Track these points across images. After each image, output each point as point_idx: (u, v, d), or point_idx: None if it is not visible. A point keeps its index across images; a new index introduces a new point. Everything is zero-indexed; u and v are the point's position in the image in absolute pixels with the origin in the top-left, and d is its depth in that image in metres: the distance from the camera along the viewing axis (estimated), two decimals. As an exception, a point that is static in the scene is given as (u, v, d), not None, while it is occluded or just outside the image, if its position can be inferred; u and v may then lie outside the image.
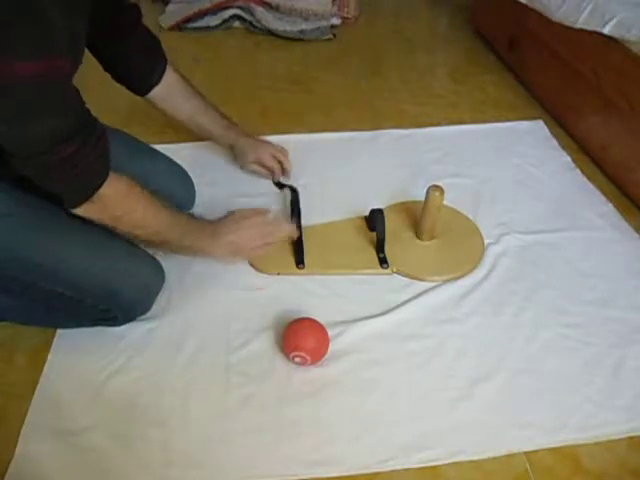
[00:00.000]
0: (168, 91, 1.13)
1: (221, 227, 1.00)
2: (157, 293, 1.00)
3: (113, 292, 0.92)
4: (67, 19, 0.72)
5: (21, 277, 0.89)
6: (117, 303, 0.94)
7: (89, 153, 0.78)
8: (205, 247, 0.99)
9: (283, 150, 1.31)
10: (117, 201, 0.85)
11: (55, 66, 0.72)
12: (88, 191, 0.81)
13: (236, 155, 1.31)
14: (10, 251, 0.87)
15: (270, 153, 1.28)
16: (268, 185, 1.32)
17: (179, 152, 1.29)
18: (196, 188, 1.23)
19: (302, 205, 1.24)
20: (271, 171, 1.30)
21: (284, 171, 1.31)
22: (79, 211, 0.83)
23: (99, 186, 0.81)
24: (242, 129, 1.27)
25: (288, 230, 1.09)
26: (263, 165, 1.29)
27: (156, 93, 1.12)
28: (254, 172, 1.31)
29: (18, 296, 0.95)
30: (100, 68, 1.06)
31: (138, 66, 1.08)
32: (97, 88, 1.10)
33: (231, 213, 1.03)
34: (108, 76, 1.08)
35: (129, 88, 1.11)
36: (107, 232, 0.92)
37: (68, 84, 0.77)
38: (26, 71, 0.69)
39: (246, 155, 1.28)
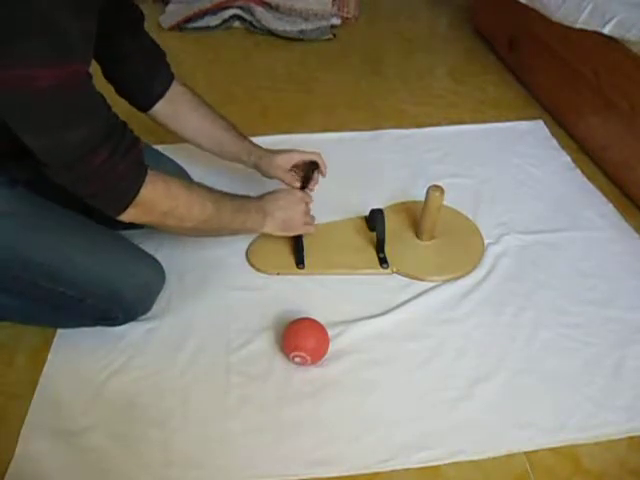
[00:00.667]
0: (173, 104, 1.07)
1: (270, 205, 1.02)
2: (158, 293, 1.00)
3: (114, 292, 0.92)
4: (77, 20, 0.70)
5: (22, 276, 0.89)
6: (118, 303, 0.94)
7: (120, 161, 0.77)
8: (256, 227, 1.02)
9: (309, 151, 1.14)
10: (158, 202, 0.84)
11: (72, 72, 0.71)
12: (126, 199, 0.80)
13: (258, 164, 1.13)
14: (11, 250, 0.87)
15: (300, 153, 1.13)
16: (269, 185, 1.32)
17: (179, 152, 1.28)
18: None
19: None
20: (305, 178, 1.15)
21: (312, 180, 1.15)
22: (124, 217, 0.82)
23: (136, 193, 0.80)
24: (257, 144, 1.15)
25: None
26: (296, 170, 1.15)
27: (160, 107, 1.06)
28: (281, 179, 1.14)
29: (18, 295, 0.95)
30: (99, 68, 1.06)
31: (138, 74, 1.03)
32: (99, 88, 1.09)
33: (273, 192, 1.05)
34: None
35: (131, 102, 1.06)
36: (108, 232, 0.93)
37: (89, 89, 0.75)
38: (47, 80, 0.68)
39: (273, 160, 1.11)
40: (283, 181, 1.13)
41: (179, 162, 1.20)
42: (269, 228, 1.04)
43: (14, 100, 0.70)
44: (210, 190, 0.93)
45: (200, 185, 0.93)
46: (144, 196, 0.81)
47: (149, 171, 0.82)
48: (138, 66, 1.03)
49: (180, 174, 1.18)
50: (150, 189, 0.81)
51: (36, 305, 0.97)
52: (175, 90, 1.07)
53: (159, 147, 1.20)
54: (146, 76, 1.04)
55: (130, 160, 0.79)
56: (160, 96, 1.06)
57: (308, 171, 1.14)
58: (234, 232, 1.02)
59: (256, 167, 1.14)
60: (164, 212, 0.85)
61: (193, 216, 0.88)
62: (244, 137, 1.14)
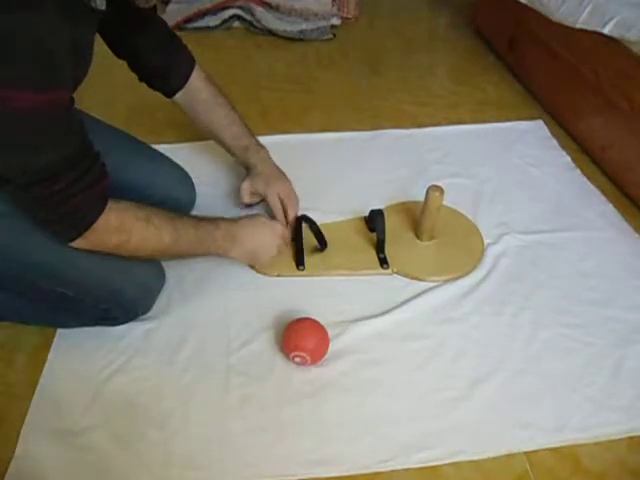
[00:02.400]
0: (190, 98, 1.10)
1: (243, 232, 1.00)
2: (158, 293, 1.01)
3: (114, 292, 0.92)
4: (71, 37, 0.70)
5: (22, 277, 0.89)
6: (118, 303, 0.94)
7: (79, 192, 0.76)
8: (223, 252, 1.00)
9: (293, 196, 1.17)
10: (109, 236, 0.83)
11: (54, 99, 0.71)
12: (76, 230, 0.80)
13: (247, 175, 1.17)
14: (10, 250, 0.87)
15: (278, 193, 1.14)
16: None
17: (179, 152, 1.29)
18: (196, 188, 1.23)
19: (302, 206, 1.24)
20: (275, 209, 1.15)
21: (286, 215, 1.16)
22: (75, 245, 0.82)
23: (87, 226, 0.80)
24: (263, 153, 1.16)
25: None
26: (264, 200, 1.16)
27: (179, 98, 1.10)
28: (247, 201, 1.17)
29: (18, 296, 0.95)
30: (102, 67, 1.05)
31: (155, 67, 1.05)
32: (99, 88, 1.10)
33: (252, 218, 1.04)
34: (108, 76, 1.08)
35: (154, 88, 1.09)
36: None
37: (66, 116, 0.75)
38: (25, 102, 0.67)
39: (256, 183, 1.15)
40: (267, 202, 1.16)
41: (179, 162, 1.20)
42: (235, 255, 1.01)
43: None
44: (172, 220, 0.90)
45: (163, 215, 0.89)
46: (95, 230, 0.80)
47: (107, 205, 0.81)
48: (152, 61, 1.04)
49: (175, 173, 1.17)
50: (102, 224, 0.80)
51: (36, 305, 0.97)
52: (193, 86, 1.09)
53: (159, 147, 1.20)
54: (160, 71, 1.06)
55: (90, 193, 0.78)
56: (178, 89, 1.08)
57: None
58: (201, 255, 1.02)
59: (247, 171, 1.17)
60: (116, 245, 0.85)
61: (147, 249, 0.89)
62: (249, 150, 1.15)
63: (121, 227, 0.83)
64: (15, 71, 0.66)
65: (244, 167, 1.19)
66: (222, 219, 1.00)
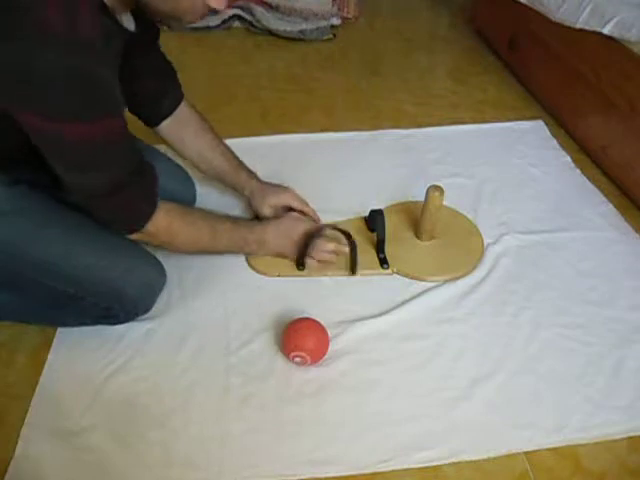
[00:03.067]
0: (177, 126, 1.09)
1: (271, 231, 1.07)
2: (159, 292, 1.01)
3: (115, 290, 0.93)
4: (112, 70, 0.76)
5: (23, 273, 0.89)
6: (119, 301, 0.94)
7: (136, 197, 0.86)
8: (252, 252, 1.09)
9: (302, 199, 1.17)
10: (159, 234, 0.93)
11: (106, 126, 0.77)
12: (132, 228, 0.90)
13: (251, 198, 1.16)
14: (13, 246, 0.88)
15: (292, 196, 1.15)
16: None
17: (179, 152, 1.29)
18: (197, 188, 1.23)
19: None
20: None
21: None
22: (130, 237, 0.92)
23: (142, 226, 0.89)
24: (253, 174, 1.17)
25: (330, 247, 1.08)
26: (288, 209, 1.15)
27: (165, 126, 1.08)
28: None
29: (19, 293, 0.95)
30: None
31: (147, 93, 1.03)
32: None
33: (281, 218, 1.09)
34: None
35: (139, 117, 1.07)
36: (109, 231, 0.93)
37: (122, 140, 0.82)
38: (76, 133, 0.74)
39: (265, 198, 1.14)
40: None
41: (179, 162, 1.20)
42: (264, 252, 1.09)
43: (48, 144, 0.76)
44: (214, 225, 1.00)
45: (204, 216, 1.00)
46: (148, 229, 0.90)
47: (158, 206, 0.89)
48: (148, 85, 1.03)
49: (176, 172, 1.18)
50: (153, 224, 0.90)
51: (36, 303, 0.97)
52: (182, 112, 1.09)
53: (160, 147, 1.20)
54: (155, 95, 1.05)
55: (145, 200, 0.88)
56: (167, 116, 1.08)
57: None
58: (234, 253, 1.10)
59: (249, 201, 1.18)
60: (163, 242, 0.96)
61: (188, 248, 1.00)
62: (242, 168, 1.16)
63: (169, 228, 0.93)
64: (67, 105, 0.72)
65: (238, 188, 1.17)
66: (258, 223, 1.09)
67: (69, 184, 0.81)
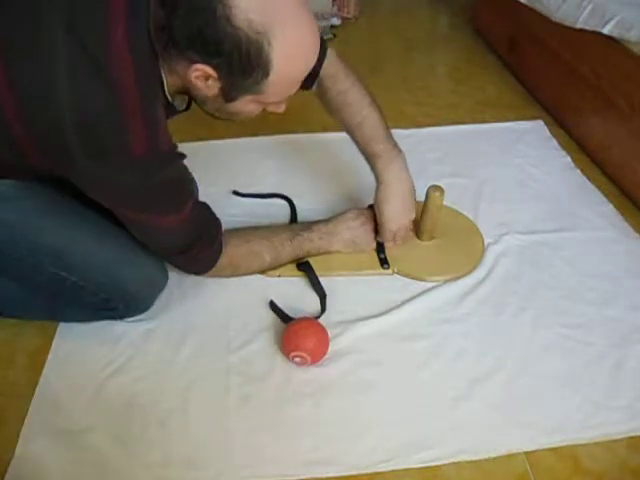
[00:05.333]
0: (320, 94, 1.08)
1: (335, 226, 1.09)
2: (160, 290, 1.01)
3: (116, 281, 0.93)
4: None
5: (26, 258, 0.89)
6: (119, 292, 0.94)
7: (205, 251, 0.94)
8: (324, 249, 1.10)
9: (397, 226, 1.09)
10: (224, 271, 1.01)
11: (187, 212, 0.87)
12: (199, 273, 1.00)
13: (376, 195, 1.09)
14: (18, 231, 0.88)
15: (403, 226, 1.09)
16: (266, 185, 1.32)
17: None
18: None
19: (302, 206, 1.25)
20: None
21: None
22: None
23: (210, 269, 0.98)
24: (395, 164, 1.07)
25: None
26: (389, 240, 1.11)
27: (314, 92, 1.07)
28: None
29: (20, 281, 0.95)
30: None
31: None
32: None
33: (344, 213, 1.11)
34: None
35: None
36: (114, 225, 0.94)
37: (198, 216, 0.91)
38: (163, 223, 0.86)
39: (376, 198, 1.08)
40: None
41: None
42: (337, 247, 1.10)
43: (131, 225, 0.88)
44: (271, 240, 1.03)
45: (263, 239, 1.03)
46: (212, 271, 0.99)
47: (223, 249, 0.97)
48: None
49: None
50: (218, 266, 0.98)
51: (36, 294, 0.97)
52: (322, 83, 1.06)
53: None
54: None
55: (211, 251, 0.96)
56: (310, 85, 1.05)
57: None
58: (303, 258, 1.10)
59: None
60: (228, 274, 1.05)
61: (254, 270, 1.07)
62: (376, 154, 1.07)
63: (231, 263, 1.01)
64: (158, 204, 0.84)
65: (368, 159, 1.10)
66: (314, 222, 1.10)
67: (146, 245, 0.92)
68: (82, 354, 0.96)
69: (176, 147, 0.82)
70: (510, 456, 0.84)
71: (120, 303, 0.95)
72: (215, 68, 0.72)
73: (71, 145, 0.72)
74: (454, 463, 0.83)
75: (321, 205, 1.26)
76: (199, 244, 0.92)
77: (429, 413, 0.89)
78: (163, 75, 0.77)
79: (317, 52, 0.77)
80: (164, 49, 0.74)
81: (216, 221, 0.96)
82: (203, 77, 0.74)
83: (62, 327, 1.00)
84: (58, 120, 0.71)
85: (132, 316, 0.99)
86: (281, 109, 0.84)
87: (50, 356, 0.96)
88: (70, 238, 0.90)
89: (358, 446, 0.85)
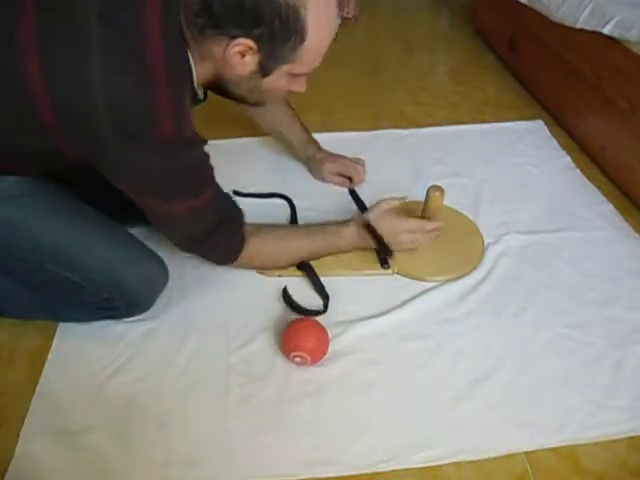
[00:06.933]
0: None
1: (369, 219, 1.08)
2: (161, 289, 1.01)
3: (117, 280, 0.93)
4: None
5: (27, 258, 0.89)
6: (120, 292, 0.94)
7: (227, 239, 0.96)
8: (354, 244, 1.09)
9: (361, 161, 1.33)
10: (249, 264, 1.04)
11: (205, 199, 0.88)
12: (227, 262, 1.01)
13: (312, 167, 1.34)
14: (21, 229, 0.88)
15: (348, 164, 1.31)
16: (266, 185, 1.32)
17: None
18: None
19: (302, 206, 1.25)
20: (349, 179, 1.31)
21: (357, 180, 1.32)
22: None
23: (235, 259, 0.99)
24: (319, 145, 1.33)
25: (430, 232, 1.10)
26: (342, 175, 1.31)
27: None
28: (330, 182, 1.32)
29: (21, 280, 0.95)
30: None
31: None
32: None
33: (377, 205, 1.10)
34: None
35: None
36: (115, 224, 0.93)
37: (217, 204, 0.91)
38: (189, 208, 0.87)
39: (324, 166, 1.30)
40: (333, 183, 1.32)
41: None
42: (370, 243, 1.08)
43: (158, 220, 0.90)
44: (304, 237, 1.06)
45: (293, 235, 1.06)
46: (239, 260, 1.00)
47: (246, 239, 0.98)
48: None
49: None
50: (243, 256, 0.99)
51: (36, 294, 0.97)
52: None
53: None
54: None
55: (235, 239, 0.97)
56: None
57: None
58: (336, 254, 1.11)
59: (307, 165, 1.35)
60: (257, 266, 1.07)
61: (282, 265, 1.08)
62: (304, 130, 1.30)
63: (253, 257, 1.02)
64: (176, 190, 0.85)
65: (304, 158, 1.34)
66: (344, 224, 1.10)
67: (165, 235, 0.95)
68: (82, 354, 0.96)
69: (198, 134, 0.84)
70: (510, 456, 0.84)
71: (121, 302, 0.95)
72: (256, 39, 0.74)
73: (102, 129, 0.73)
74: (454, 463, 0.83)
75: (321, 205, 1.26)
76: (221, 232, 0.93)
77: (429, 413, 0.89)
78: (193, 65, 0.79)
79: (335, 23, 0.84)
80: (200, 33, 0.75)
81: (239, 211, 0.98)
82: (241, 53, 0.76)
83: (62, 327, 1.00)
84: (90, 104, 0.72)
85: (133, 316, 0.99)
86: (303, 87, 0.88)
87: (50, 356, 0.96)
88: (72, 237, 0.91)
89: (358, 446, 0.85)
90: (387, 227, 1.07)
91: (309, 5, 0.74)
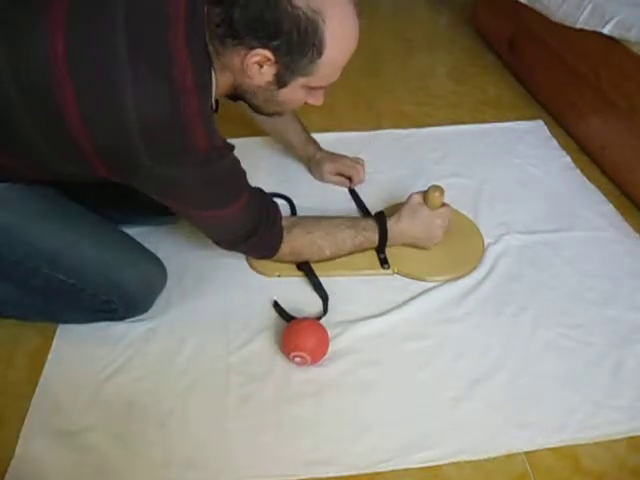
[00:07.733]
0: None
1: (399, 223, 1.08)
2: (159, 290, 1.01)
3: (115, 282, 0.93)
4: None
5: (25, 262, 0.89)
6: (118, 293, 0.94)
7: (266, 235, 0.97)
8: (389, 242, 1.09)
9: (360, 160, 1.33)
10: (285, 257, 1.04)
11: (242, 204, 0.89)
12: (263, 257, 1.04)
13: (312, 167, 1.34)
14: (17, 234, 0.88)
15: (348, 164, 1.31)
16: (266, 185, 1.31)
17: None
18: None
19: (302, 206, 1.25)
20: (348, 178, 1.31)
21: (357, 180, 1.32)
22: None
23: (272, 255, 1.01)
24: (319, 145, 1.33)
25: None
26: (341, 174, 1.31)
27: None
28: (330, 182, 1.32)
29: (19, 284, 0.95)
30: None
31: None
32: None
33: (410, 201, 1.09)
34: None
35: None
36: (112, 226, 0.93)
37: (253, 207, 0.93)
38: (231, 213, 0.89)
39: (324, 166, 1.30)
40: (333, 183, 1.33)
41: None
42: (401, 242, 1.10)
43: (202, 225, 0.93)
44: (334, 236, 1.04)
45: (326, 233, 1.04)
46: (276, 256, 1.02)
47: (286, 231, 1.00)
48: None
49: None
50: (280, 252, 1.01)
51: (34, 296, 0.97)
52: None
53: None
54: None
55: (272, 235, 0.98)
56: None
57: None
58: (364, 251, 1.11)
59: (307, 165, 1.35)
60: (290, 260, 1.07)
61: (313, 260, 1.08)
62: (304, 130, 1.31)
63: (292, 251, 1.03)
64: (216, 198, 0.87)
65: (304, 158, 1.34)
66: (376, 217, 1.09)
67: (213, 238, 0.96)
68: (82, 354, 0.96)
69: (227, 141, 0.85)
70: (510, 456, 0.84)
71: (120, 305, 0.95)
72: (274, 51, 0.75)
73: (136, 149, 0.74)
74: (454, 463, 0.83)
75: (321, 205, 1.25)
76: (262, 227, 0.95)
77: (429, 413, 0.89)
78: (214, 76, 0.80)
79: (358, 38, 0.82)
80: (221, 43, 0.76)
81: (273, 202, 0.99)
82: (259, 64, 0.77)
83: (62, 327, 1.00)
84: (123, 123, 0.72)
85: (132, 317, 0.99)
86: (320, 100, 0.90)
87: (50, 356, 0.96)
88: (68, 240, 0.90)
89: (358, 446, 0.85)
90: (423, 224, 1.08)
91: (328, 20, 0.74)
